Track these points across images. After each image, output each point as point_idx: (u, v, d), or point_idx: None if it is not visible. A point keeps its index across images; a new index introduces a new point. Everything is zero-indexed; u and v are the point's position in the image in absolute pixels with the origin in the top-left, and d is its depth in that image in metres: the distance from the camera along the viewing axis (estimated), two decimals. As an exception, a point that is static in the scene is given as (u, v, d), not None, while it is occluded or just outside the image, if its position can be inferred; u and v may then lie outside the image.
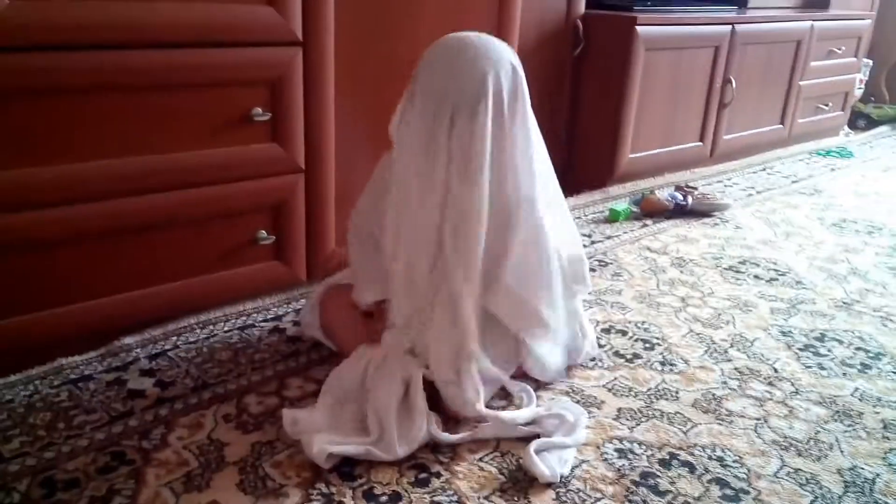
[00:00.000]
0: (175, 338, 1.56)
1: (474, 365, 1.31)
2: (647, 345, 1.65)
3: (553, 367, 1.44)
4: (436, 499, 1.15)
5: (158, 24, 1.40)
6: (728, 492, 1.19)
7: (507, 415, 1.31)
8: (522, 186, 1.38)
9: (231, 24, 1.49)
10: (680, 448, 1.30)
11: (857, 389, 1.51)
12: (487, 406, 1.33)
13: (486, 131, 1.30)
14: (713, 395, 1.47)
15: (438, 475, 1.20)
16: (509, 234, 1.37)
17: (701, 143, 3.06)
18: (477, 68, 1.30)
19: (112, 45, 1.37)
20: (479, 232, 1.32)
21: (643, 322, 1.76)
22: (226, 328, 1.62)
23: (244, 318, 1.67)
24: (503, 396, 1.40)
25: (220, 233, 1.60)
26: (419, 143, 1.34)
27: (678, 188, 2.67)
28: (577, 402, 1.41)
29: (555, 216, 1.45)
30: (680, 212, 2.54)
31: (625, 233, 2.37)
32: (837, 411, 1.43)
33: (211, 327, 1.62)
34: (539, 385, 1.46)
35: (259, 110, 1.56)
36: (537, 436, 1.28)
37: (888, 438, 1.36)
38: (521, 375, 1.43)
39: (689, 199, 2.55)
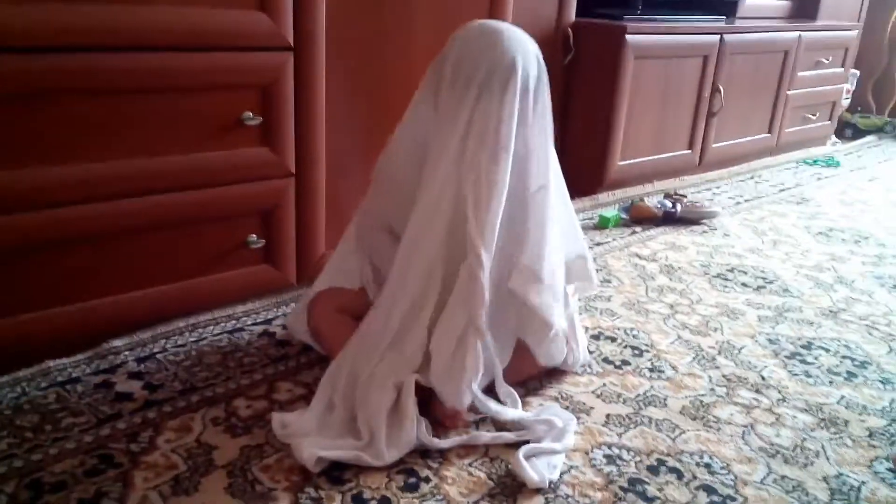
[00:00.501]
0: (164, 341, 1.56)
1: (479, 343, 1.31)
2: (636, 351, 1.66)
3: (563, 348, 1.46)
4: (425, 503, 1.15)
5: (151, 27, 1.40)
6: (715, 498, 1.20)
7: (495, 406, 1.33)
8: (541, 174, 1.41)
9: (223, 28, 1.49)
10: (668, 454, 1.30)
11: (843, 397, 1.52)
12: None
13: (514, 109, 1.33)
14: (701, 401, 1.47)
15: (427, 480, 1.20)
16: (528, 219, 1.40)
17: (690, 151, 3.08)
18: (510, 50, 1.34)
19: (104, 48, 1.36)
20: (499, 206, 1.33)
21: (632, 329, 1.77)
22: (215, 331, 1.62)
23: (233, 321, 1.67)
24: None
25: (211, 236, 1.60)
26: (442, 114, 1.36)
27: (667, 196, 2.68)
28: (566, 407, 1.42)
29: (560, 211, 1.47)
30: (669, 219, 2.56)
31: (614, 240, 2.38)
32: (823, 419, 1.44)
33: (200, 330, 1.61)
34: (528, 391, 1.46)
35: (250, 114, 1.56)
36: (526, 441, 1.28)
37: (874, 446, 1.37)
38: (512, 382, 1.43)
39: (678, 207, 2.57)
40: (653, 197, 2.74)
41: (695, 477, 1.25)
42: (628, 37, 2.57)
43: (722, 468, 1.27)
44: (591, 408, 1.43)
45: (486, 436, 1.30)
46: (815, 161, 3.62)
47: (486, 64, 1.32)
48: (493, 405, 1.33)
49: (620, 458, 1.29)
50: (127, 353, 1.51)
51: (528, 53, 1.36)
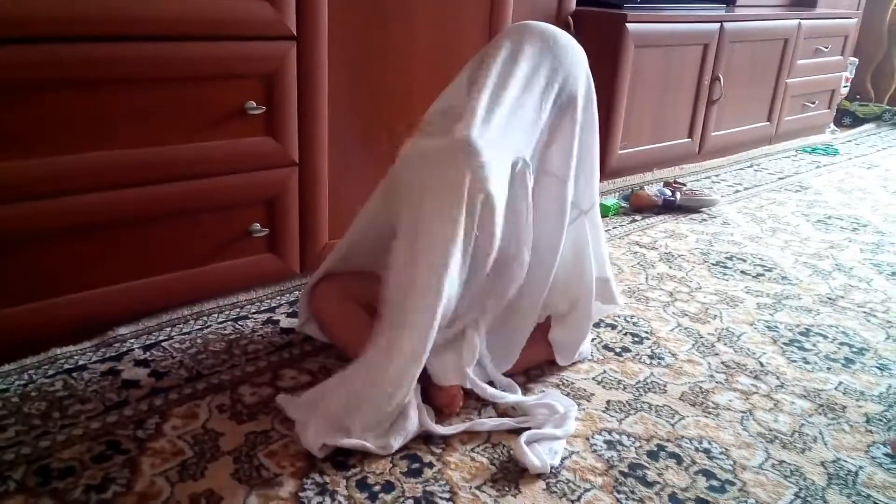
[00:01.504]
0: (169, 329, 1.57)
1: (476, 336, 1.34)
2: (636, 338, 1.67)
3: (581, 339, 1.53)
4: (428, 489, 1.16)
5: (153, 17, 1.41)
6: (714, 483, 1.22)
7: (492, 390, 1.35)
8: (593, 191, 1.47)
9: (226, 17, 1.50)
10: (667, 440, 1.32)
11: (840, 383, 1.54)
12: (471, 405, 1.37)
13: (546, 125, 1.35)
14: (700, 388, 1.49)
15: (431, 465, 1.22)
16: (589, 234, 1.48)
17: (689, 140, 3.08)
18: (568, 58, 1.36)
19: (107, 37, 1.37)
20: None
21: (632, 316, 1.78)
22: (220, 319, 1.63)
23: (238, 309, 1.68)
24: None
25: (215, 225, 1.61)
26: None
27: (667, 184, 2.70)
28: (567, 394, 1.44)
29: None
30: (668, 207, 2.57)
31: (614, 228, 2.39)
32: (821, 405, 1.46)
33: (205, 318, 1.63)
34: (529, 378, 1.48)
35: (253, 104, 1.57)
36: (528, 428, 1.30)
37: (871, 432, 1.38)
38: (520, 370, 1.45)
39: (678, 195, 2.58)
40: (652, 185, 2.75)
41: (694, 462, 1.26)
42: (629, 25, 2.57)
43: (721, 453, 1.29)
44: (592, 394, 1.45)
45: (488, 422, 1.32)
46: (813, 149, 3.62)
47: (552, 66, 1.34)
48: (490, 389, 1.35)
49: (621, 443, 1.30)
50: (133, 340, 1.52)
51: (577, 69, 1.37)
